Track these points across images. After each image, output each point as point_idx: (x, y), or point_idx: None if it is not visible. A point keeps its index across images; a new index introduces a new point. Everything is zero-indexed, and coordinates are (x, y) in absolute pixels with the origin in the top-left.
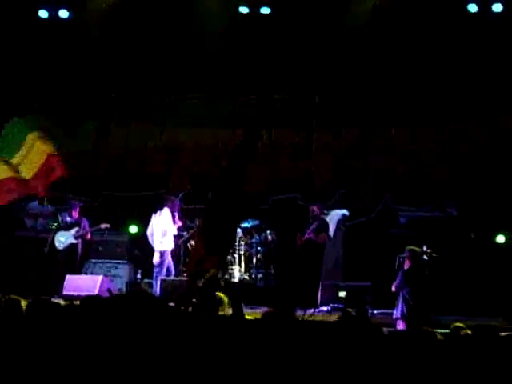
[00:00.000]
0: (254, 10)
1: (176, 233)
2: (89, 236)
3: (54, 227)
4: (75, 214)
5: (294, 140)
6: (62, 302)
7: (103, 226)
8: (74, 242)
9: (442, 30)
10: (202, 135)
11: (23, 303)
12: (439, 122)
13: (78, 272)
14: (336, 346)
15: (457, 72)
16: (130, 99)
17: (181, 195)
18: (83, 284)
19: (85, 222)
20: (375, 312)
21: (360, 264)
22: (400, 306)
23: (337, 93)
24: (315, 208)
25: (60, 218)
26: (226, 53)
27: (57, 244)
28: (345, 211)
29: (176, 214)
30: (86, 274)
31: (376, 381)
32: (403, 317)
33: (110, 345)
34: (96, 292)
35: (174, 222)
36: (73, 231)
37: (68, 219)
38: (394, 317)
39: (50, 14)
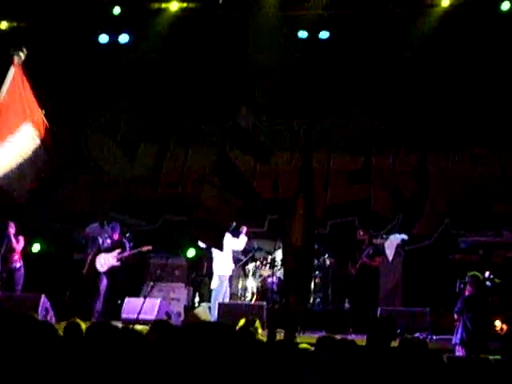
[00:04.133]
0: (313, 34)
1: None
2: (130, 258)
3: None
4: (116, 235)
5: (353, 165)
6: (120, 325)
7: (145, 248)
8: (116, 264)
9: (502, 53)
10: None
11: (83, 326)
12: (499, 146)
13: (120, 295)
14: (395, 371)
15: None
16: (189, 122)
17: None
18: (142, 307)
19: (127, 244)
20: (434, 338)
21: (419, 289)
22: (460, 331)
23: (396, 117)
24: (361, 232)
25: (100, 241)
26: (285, 77)
27: (98, 266)
28: (404, 236)
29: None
30: (144, 297)
31: None
32: (462, 343)
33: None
34: (154, 315)
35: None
36: (114, 253)
37: (108, 241)
38: (453, 342)
39: (110, 39)
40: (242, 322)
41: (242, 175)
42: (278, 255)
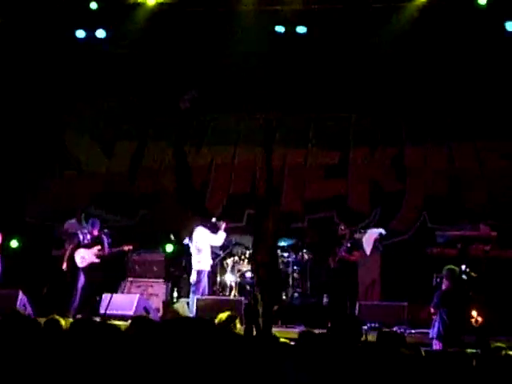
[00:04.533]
0: (290, 29)
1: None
2: (108, 256)
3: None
4: (95, 231)
5: (330, 159)
6: (97, 320)
7: (126, 247)
8: (96, 260)
9: (479, 47)
10: (237, 153)
11: (63, 323)
12: (477, 139)
13: (98, 291)
14: (375, 365)
15: (499, 88)
16: (167, 118)
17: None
18: (120, 303)
19: (105, 240)
20: (411, 331)
21: (397, 283)
22: (436, 325)
23: (373, 111)
24: (343, 227)
25: (80, 237)
26: (262, 71)
27: (78, 262)
28: (381, 230)
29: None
30: (122, 292)
31: None
32: (439, 337)
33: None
34: (133, 311)
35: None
36: (94, 249)
37: (88, 237)
38: (430, 336)
39: (87, 34)
40: (223, 315)
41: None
42: None
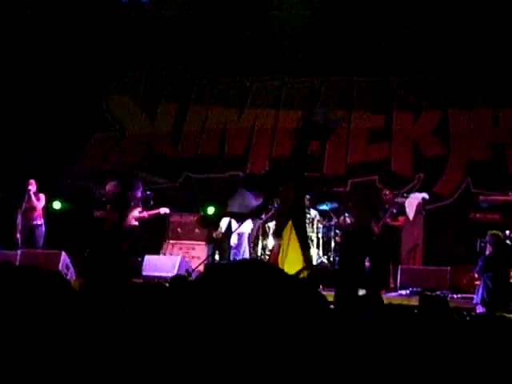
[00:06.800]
0: None
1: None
2: (148, 218)
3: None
4: (138, 193)
5: (374, 123)
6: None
7: (162, 210)
8: (135, 223)
9: None
10: (280, 117)
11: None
12: None
13: (140, 253)
14: (417, 329)
15: None
16: (209, 81)
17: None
18: (162, 265)
19: (151, 202)
20: (455, 296)
21: (440, 248)
22: (480, 291)
23: (417, 74)
24: (387, 192)
25: (121, 199)
26: (306, 34)
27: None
28: (424, 194)
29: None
30: (164, 254)
31: (455, 364)
32: (483, 302)
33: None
34: (174, 273)
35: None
36: (135, 212)
37: (130, 199)
38: (474, 302)
39: None
40: None
41: None
42: None
